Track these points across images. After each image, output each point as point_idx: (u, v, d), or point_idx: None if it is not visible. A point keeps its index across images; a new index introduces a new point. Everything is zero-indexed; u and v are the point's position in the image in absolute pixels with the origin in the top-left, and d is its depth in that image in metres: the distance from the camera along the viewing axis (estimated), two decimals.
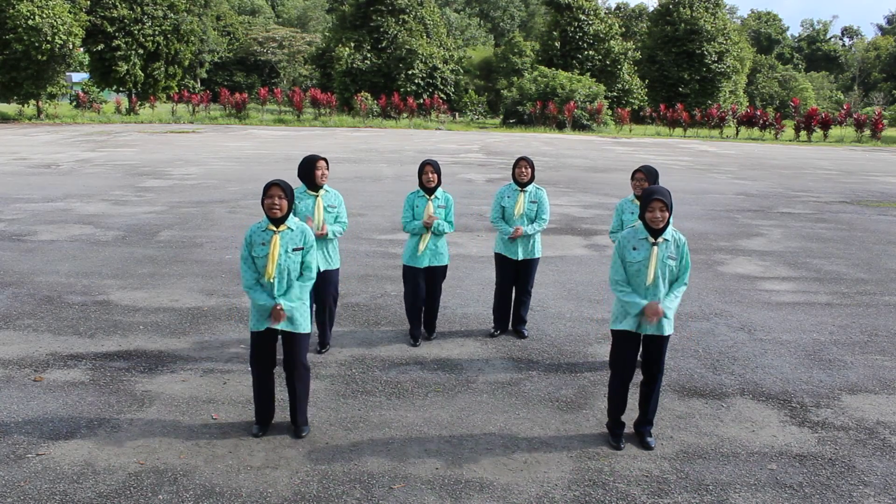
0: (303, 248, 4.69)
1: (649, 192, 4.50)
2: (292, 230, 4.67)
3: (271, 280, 4.62)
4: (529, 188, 6.59)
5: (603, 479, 4.34)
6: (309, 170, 5.91)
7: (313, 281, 4.78)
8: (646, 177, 6.06)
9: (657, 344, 4.68)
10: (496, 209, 6.69)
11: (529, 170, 6.51)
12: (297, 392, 4.79)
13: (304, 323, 4.73)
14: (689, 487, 4.27)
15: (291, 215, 4.72)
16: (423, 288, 6.46)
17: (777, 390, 5.71)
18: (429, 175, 6.29)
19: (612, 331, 4.77)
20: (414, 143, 31.38)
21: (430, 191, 6.34)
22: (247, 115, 46.38)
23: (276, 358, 4.81)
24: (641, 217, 4.54)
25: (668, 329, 4.64)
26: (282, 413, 5.05)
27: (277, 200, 4.58)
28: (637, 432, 4.87)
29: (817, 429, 5.07)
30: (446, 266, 6.56)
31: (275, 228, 4.64)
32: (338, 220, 6.12)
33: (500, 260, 6.75)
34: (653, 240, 4.53)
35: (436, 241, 6.40)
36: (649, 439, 4.78)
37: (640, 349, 4.78)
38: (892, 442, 4.90)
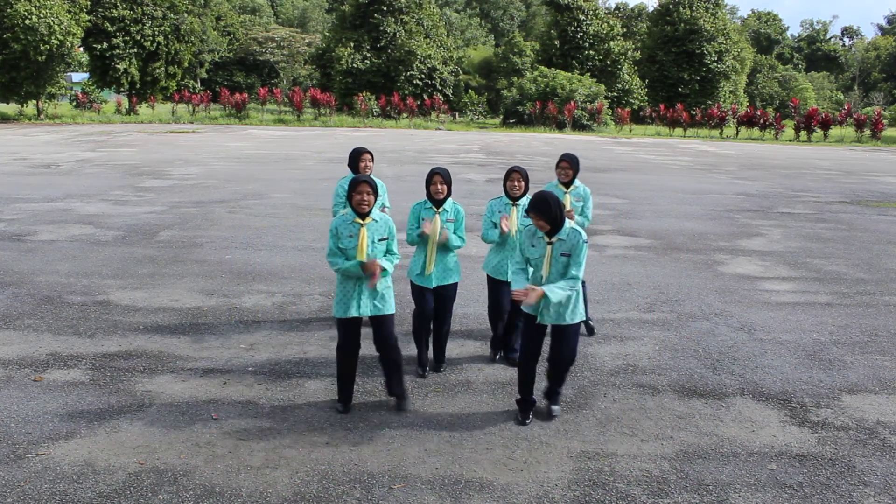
0: (387, 238, 5.04)
1: (530, 205, 4.81)
2: (377, 221, 5.00)
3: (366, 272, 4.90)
4: (523, 201, 5.92)
5: (603, 479, 4.34)
6: (354, 161, 6.41)
7: (399, 260, 5.15)
8: (570, 164, 6.43)
9: (556, 331, 4.99)
10: (487, 225, 5.98)
11: (523, 182, 5.86)
12: (398, 365, 5.14)
13: (390, 304, 5.10)
14: (689, 487, 4.27)
15: (375, 207, 5.04)
16: (432, 307, 5.79)
17: (777, 390, 5.71)
18: (438, 186, 5.61)
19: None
20: (414, 143, 31.38)
21: (438, 202, 5.68)
22: (247, 115, 46.40)
23: (360, 343, 5.11)
24: None
25: (548, 319, 4.91)
26: (286, 414, 5.06)
27: (366, 196, 4.88)
28: (546, 399, 5.18)
29: (817, 429, 5.07)
30: (456, 284, 5.86)
31: (361, 221, 4.93)
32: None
33: (491, 281, 6.09)
34: (548, 239, 4.85)
35: (444, 258, 5.74)
36: (554, 407, 5.14)
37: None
38: (892, 442, 4.90)
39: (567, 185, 6.51)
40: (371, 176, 6.37)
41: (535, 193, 4.86)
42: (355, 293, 4.95)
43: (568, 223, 4.85)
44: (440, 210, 5.68)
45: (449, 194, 5.75)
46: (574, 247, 4.80)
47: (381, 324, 5.08)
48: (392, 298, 5.10)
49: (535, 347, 5.03)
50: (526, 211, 4.81)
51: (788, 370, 6.13)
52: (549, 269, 4.84)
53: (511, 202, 5.94)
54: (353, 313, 4.96)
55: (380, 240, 4.97)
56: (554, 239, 4.82)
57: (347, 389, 5.16)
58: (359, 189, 4.87)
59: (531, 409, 5.09)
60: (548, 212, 4.72)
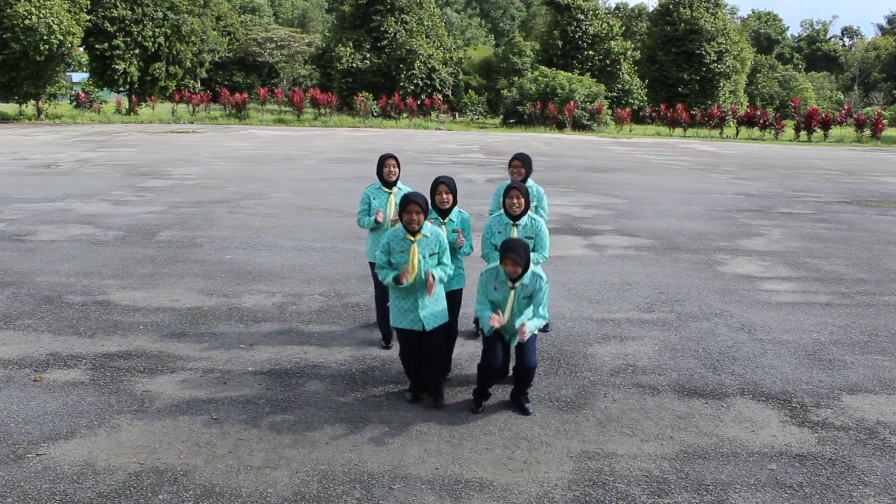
0: (438, 252, 5.17)
1: (505, 248, 4.87)
2: (427, 237, 5.12)
3: (411, 282, 5.05)
4: (523, 220, 5.58)
5: (603, 479, 4.35)
6: (379, 167, 6.33)
7: (451, 273, 5.29)
8: (522, 164, 6.35)
9: (520, 344, 5.08)
10: (487, 246, 5.68)
11: (522, 199, 5.50)
12: (440, 368, 5.27)
13: (444, 313, 5.25)
14: (689, 487, 4.28)
15: (426, 222, 5.14)
16: None
17: (777, 390, 5.71)
18: (443, 195, 5.47)
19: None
20: (414, 143, 31.39)
21: (443, 212, 5.56)
22: (247, 115, 46.37)
23: (420, 350, 5.26)
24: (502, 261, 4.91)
25: (515, 341, 5.07)
26: (285, 413, 5.06)
27: (416, 216, 5.01)
28: (515, 402, 5.27)
29: (817, 429, 5.07)
30: (461, 290, 5.77)
31: (412, 238, 5.06)
32: None
33: None
34: (511, 284, 4.95)
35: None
36: (527, 405, 5.21)
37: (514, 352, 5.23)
38: (892, 442, 4.90)
39: None
40: (401, 185, 6.34)
41: (509, 241, 4.93)
42: (411, 306, 5.11)
43: (531, 268, 4.97)
44: (446, 220, 5.57)
45: (454, 203, 5.58)
46: (536, 290, 4.96)
47: (434, 332, 5.19)
48: (445, 308, 5.26)
49: (498, 356, 5.17)
50: (500, 257, 4.89)
51: (788, 370, 6.13)
52: (511, 313, 4.97)
53: (511, 221, 5.60)
54: (406, 325, 5.14)
55: (431, 254, 5.12)
56: (517, 284, 4.94)
57: (418, 386, 5.35)
58: (409, 209, 5.00)
59: (486, 399, 5.31)
60: (524, 257, 4.86)
